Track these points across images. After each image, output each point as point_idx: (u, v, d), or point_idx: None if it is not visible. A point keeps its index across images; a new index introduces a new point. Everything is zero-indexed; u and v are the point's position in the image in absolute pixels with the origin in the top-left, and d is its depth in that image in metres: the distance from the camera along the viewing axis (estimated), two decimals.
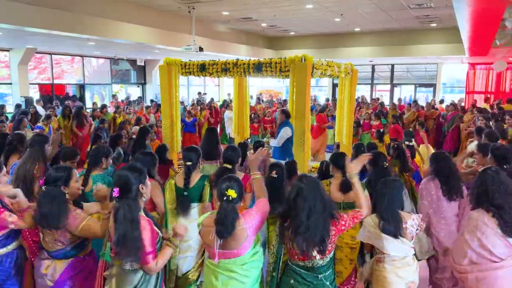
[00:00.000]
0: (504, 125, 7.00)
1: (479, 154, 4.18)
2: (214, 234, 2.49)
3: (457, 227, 3.61)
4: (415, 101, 13.14)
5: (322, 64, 6.45)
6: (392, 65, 19.12)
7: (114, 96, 15.31)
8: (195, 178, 3.78)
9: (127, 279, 2.50)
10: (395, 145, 5.39)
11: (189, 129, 10.16)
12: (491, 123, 7.76)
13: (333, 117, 9.68)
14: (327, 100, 16.87)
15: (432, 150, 6.97)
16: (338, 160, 3.74)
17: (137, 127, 7.52)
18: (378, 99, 16.15)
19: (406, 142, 6.03)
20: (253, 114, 10.79)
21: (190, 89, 19.75)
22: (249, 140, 9.36)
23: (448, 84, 19.62)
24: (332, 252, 2.62)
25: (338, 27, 13.09)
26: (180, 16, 10.51)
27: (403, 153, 5.17)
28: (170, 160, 5.21)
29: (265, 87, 21.36)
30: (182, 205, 3.67)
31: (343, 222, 2.56)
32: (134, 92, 18.36)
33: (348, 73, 8.01)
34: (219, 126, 12.15)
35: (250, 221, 2.55)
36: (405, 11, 9.99)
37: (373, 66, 19.48)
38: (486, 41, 9.21)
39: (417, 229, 2.93)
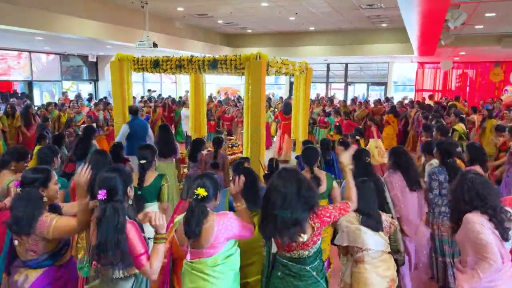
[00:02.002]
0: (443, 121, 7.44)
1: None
2: None
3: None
4: (367, 101, 13.73)
5: (277, 62, 6.53)
6: (346, 64, 19.64)
7: (64, 93, 14.70)
8: (151, 177, 3.71)
9: None
10: (341, 140, 5.61)
11: None
12: (431, 118, 8.21)
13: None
14: (280, 98, 17.15)
15: (381, 144, 7.28)
16: (307, 156, 3.89)
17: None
18: (333, 96, 16.68)
19: (357, 137, 6.24)
20: (209, 112, 10.74)
21: (145, 86, 19.32)
22: (205, 137, 9.31)
23: (399, 82, 20.42)
24: (319, 243, 2.55)
25: (293, 26, 13.25)
26: (133, 11, 10.24)
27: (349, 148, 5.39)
28: (126, 158, 5.09)
29: (224, 84, 21.28)
30: (136, 204, 3.60)
31: (327, 214, 2.49)
32: (86, 89, 17.71)
33: (303, 71, 8.15)
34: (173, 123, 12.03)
35: (224, 224, 2.44)
36: (357, 11, 10.28)
37: (328, 65, 19.92)
38: (432, 41, 9.67)
39: (390, 226, 3.01)
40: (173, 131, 11.07)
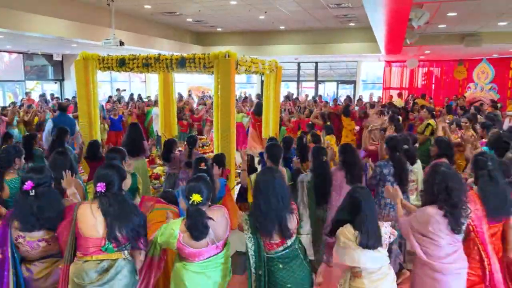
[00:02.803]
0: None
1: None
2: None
3: None
4: (335, 99, 14.04)
5: (246, 60, 6.52)
6: (316, 63, 19.87)
7: (27, 93, 14.18)
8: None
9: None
10: (313, 133, 5.76)
11: (116, 127, 9.75)
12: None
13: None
14: (257, 96, 17.17)
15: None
16: (273, 153, 4.04)
17: None
18: (306, 95, 16.93)
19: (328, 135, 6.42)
20: (181, 112, 10.64)
21: (114, 85, 18.90)
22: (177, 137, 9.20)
23: (369, 80, 20.85)
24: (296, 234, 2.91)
25: (264, 25, 13.28)
26: (99, 9, 9.99)
27: (304, 145, 5.52)
28: (103, 157, 4.98)
29: (195, 83, 21.07)
30: None
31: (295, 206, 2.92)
32: (52, 89, 17.16)
33: (273, 70, 8.17)
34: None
35: (228, 214, 2.76)
36: (325, 10, 10.41)
37: (298, 63, 20.09)
38: (398, 40, 9.90)
39: (389, 237, 2.81)
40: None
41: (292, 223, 2.77)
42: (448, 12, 8.76)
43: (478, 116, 7.85)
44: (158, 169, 7.18)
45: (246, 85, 22.56)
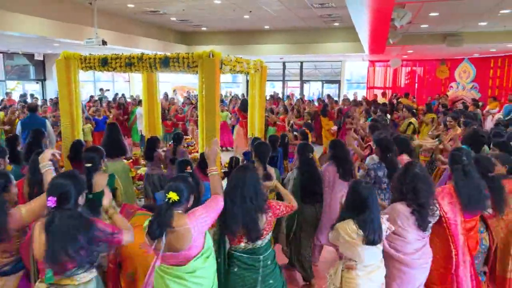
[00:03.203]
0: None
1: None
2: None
3: None
4: (319, 98, 14.15)
5: (231, 60, 6.50)
6: (301, 63, 19.96)
7: (8, 94, 13.89)
8: (101, 180, 3.58)
9: None
10: (302, 131, 5.82)
11: (100, 127, 9.61)
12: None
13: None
14: (242, 95, 17.17)
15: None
16: (261, 152, 4.02)
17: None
18: (292, 94, 17.01)
19: (295, 133, 6.54)
20: (165, 111, 10.59)
21: (97, 85, 18.67)
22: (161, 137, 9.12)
23: (353, 80, 21.04)
24: (270, 233, 2.72)
25: (248, 24, 13.27)
26: (81, 8, 9.84)
27: (286, 144, 5.57)
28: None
29: (180, 83, 20.93)
30: (90, 209, 3.48)
31: (278, 206, 2.77)
32: (33, 89, 16.84)
33: (258, 69, 8.17)
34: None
35: (198, 223, 2.40)
36: (309, 10, 10.45)
37: (284, 63, 20.14)
38: (381, 40, 10.00)
39: (387, 232, 2.86)
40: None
41: (261, 223, 2.64)
42: (430, 12, 8.88)
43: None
44: (142, 170, 7.10)
45: (232, 85, 22.54)
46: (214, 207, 2.52)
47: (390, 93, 17.60)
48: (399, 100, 12.72)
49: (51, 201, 2.23)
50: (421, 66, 18.44)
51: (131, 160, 7.28)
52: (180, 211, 2.43)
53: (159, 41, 13.95)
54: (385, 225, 2.81)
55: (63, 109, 6.44)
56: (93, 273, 2.38)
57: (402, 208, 2.90)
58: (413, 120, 7.53)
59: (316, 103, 13.75)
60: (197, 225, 2.39)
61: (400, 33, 10.05)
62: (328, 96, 15.04)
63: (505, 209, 3.27)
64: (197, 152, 7.30)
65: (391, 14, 6.44)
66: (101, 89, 16.58)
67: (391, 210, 2.95)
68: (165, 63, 5.84)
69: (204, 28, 14.51)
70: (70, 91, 6.36)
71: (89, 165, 3.53)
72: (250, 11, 10.75)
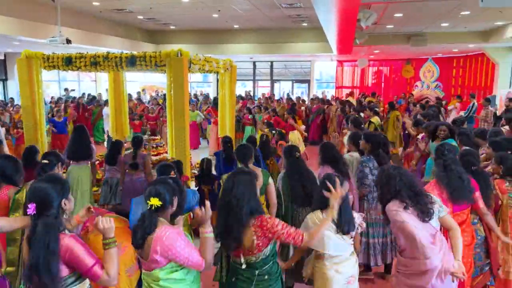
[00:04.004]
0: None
1: (350, 143, 4.70)
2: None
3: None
4: (289, 97, 14.33)
5: (200, 59, 6.45)
6: (271, 62, 20.06)
7: None
8: None
9: None
10: (279, 132, 5.88)
11: (60, 130, 9.32)
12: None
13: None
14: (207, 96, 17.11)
15: (300, 134, 7.64)
16: (241, 153, 3.93)
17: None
18: (263, 94, 17.07)
19: (273, 131, 6.59)
20: (133, 112, 10.41)
21: (62, 84, 18.11)
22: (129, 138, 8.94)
23: (323, 79, 21.34)
24: (268, 249, 2.50)
25: (218, 23, 13.21)
26: (44, 5, 9.51)
27: (267, 142, 5.59)
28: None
29: (148, 82, 20.57)
30: None
31: (272, 230, 2.44)
32: None
33: (227, 69, 8.15)
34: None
35: (162, 242, 2.19)
36: (278, 10, 10.51)
37: (254, 63, 20.19)
38: (348, 40, 10.19)
39: (357, 228, 2.93)
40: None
41: (244, 235, 2.45)
42: (395, 13, 9.12)
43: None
44: None
45: (202, 84, 22.40)
46: (193, 259, 2.26)
47: (358, 93, 17.97)
48: (366, 99, 13.01)
49: (31, 209, 2.05)
50: (387, 66, 18.93)
51: (98, 162, 7.10)
52: (162, 219, 2.28)
53: (126, 40, 13.67)
54: (358, 220, 2.91)
55: (25, 110, 6.22)
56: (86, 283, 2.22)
57: (395, 204, 2.75)
58: (373, 119, 7.74)
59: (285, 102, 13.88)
60: (160, 246, 2.19)
61: (367, 33, 10.27)
62: (298, 97, 15.27)
63: (491, 203, 3.43)
64: (166, 152, 7.20)
65: (357, 15, 6.57)
66: (66, 89, 16.11)
67: (388, 211, 2.79)
68: (132, 62, 5.74)
69: (172, 27, 14.33)
70: (32, 91, 6.15)
71: (45, 161, 3.51)
72: (219, 10, 10.71)
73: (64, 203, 2.18)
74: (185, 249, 2.22)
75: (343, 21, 7.09)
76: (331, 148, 4.14)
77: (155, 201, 2.22)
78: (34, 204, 2.06)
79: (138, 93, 16.86)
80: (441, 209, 2.83)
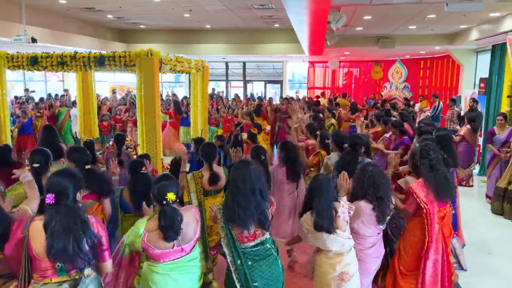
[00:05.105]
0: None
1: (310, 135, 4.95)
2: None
3: (292, 202, 4.32)
4: (260, 98, 14.42)
5: (171, 59, 6.40)
6: (244, 63, 20.07)
7: None
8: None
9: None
10: (250, 134, 5.93)
11: (26, 131, 9.03)
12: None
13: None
14: (185, 97, 16.96)
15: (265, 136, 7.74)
16: (206, 153, 4.00)
17: None
18: (236, 94, 17.06)
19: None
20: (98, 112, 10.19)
21: (28, 85, 17.51)
22: (98, 139, 8.76)
23: (296, 80, 21.53)
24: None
25: (189, 23, 13.09)
26: (7, 2, 9.17)
27: (240, 142, 5.65)
28: (19, 162, 4.58)
29: (118, 82, 20.15)
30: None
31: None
32: None
33: (199, 69, 8.11)
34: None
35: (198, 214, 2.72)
36: (250, 10, 10.52)
37: (226, 63, 20.15)
38: (318, 42, 10.33)
39: (349, 212, 3.01)
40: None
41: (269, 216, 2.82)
42: (364, 16, 9.31)
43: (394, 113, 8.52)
44: None
45: (175, 84, 22.17)
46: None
47: (329, 93, 18.23)
48: (336, 100, 13.21)
49: (49, 198, 2.27)
50: (357, 67, 19.29)
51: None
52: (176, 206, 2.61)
53: (95, 39, 13.35)
54: (344, 208, 2.97)
55: None
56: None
57: (364, 205, 3.10)
58: (333, 120, 7.98)
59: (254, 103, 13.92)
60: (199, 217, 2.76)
61: (337, 35, 10.44)
62: (270, 98, 15.38)
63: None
64: (136, 155, 7.09)
65: (327, 17, 6.67)
66: (26, 90, 15.60)
67: (356, 206, 3.09)
68: (101, 62, 5.64)
69: (142, 26, 14.12)
70: None
71: (36, 165, 3.51)
72: (190, 10, 10.62)
73: (78, 196, 2.41)
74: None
75: (314, 23, 7.19)
76: (290, 148, 4.35)
77: (171, 196, 2.53)
78: (53, 195, 2.28)
79: (114, 91, 16.54)
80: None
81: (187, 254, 2.65)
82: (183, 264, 2.63)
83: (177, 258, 2.61)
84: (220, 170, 4.02)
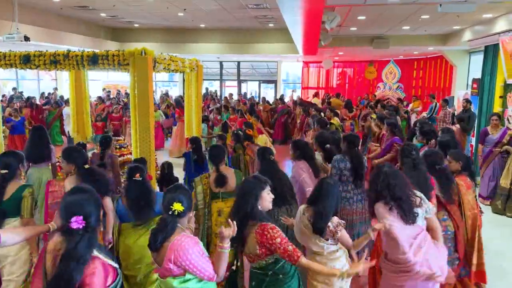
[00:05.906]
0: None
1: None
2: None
3: None
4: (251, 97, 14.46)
5: (165, 58, 6.36)
6: (238, 62, 20.05)
7: None
8: (12, 188, 3.27)
9: None
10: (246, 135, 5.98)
11: (18, 130, 8.95)
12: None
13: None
14: (179, 97, 16.90)
15: (268, 137, 7.76)
16: (213, 154, 3.96)
17: None
18: (231, 94, 17.05)
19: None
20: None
21: (21, 83, 17.38)
22: (92, 139, 8.71)
23: (290, 80, 21.55)
24: (273, 257, 2.53)
25: (184, 22, 13.05)
26: (0, 0, 9.08)
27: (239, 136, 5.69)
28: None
29: (112, 81, 20.04)
30: None
31: (271, 242, 2.45)
32: None
33: (194, 68, 8.08)
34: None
35: (177, 251, 2.20)
36: (244, 10, 10.51)
37: (221, 62, 20.11)
38: (313, 42, 10.34)
39: (336, 229, 2.94)
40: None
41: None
42: (358, 16, 9.33)
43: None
44: None
45: (169, 83, 22.09)
46: (204, 273, 2.28)
47: (323, 93, 18.28)
48: (330, 100, 13.26)
49: (78, 222, 1.91)
50: (351, 68, 19.35)
51: (58, 164, 6.87)
52: (180, 226, 2.33)
53: (88, 38, 13.26)
54: (334, 222, 2.92)
55: None
56: None
57: (381, 205, 2.92)
58: (334, 120, 7.99)
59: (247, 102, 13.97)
60: (175, 254, 2.20)
61: (331, 35, 10.46)
62: (252, 97, 15.43)
63: (454, 198, 3.64)
64: (130, 154, 7.06)
65: (322, 17, 6.68)
66: (13, 88, 15.52)
67: (377, 211, 2.94)
68: (94, 60, 5.59)
69: (136, 25, 14.05)
70: None
71: (4, 171, 3.26)
72: (185, 9, 10.59)
73: (101, 217, 2.14)
74: (199, 260, 2.24)
75: (308, 23, 7.20)
76: (305, 146, 4.35)
77: (178, 207, 2.28)
78: (82, 217, 1.94)
79: (108, 91, 16.48)
80: (428, 210, 2.97)
81: (161, 278, 2.37)
82: (162, 286, 2.39)
83: (166, 276, 2.37)
84: (230, 172, 3.91)
